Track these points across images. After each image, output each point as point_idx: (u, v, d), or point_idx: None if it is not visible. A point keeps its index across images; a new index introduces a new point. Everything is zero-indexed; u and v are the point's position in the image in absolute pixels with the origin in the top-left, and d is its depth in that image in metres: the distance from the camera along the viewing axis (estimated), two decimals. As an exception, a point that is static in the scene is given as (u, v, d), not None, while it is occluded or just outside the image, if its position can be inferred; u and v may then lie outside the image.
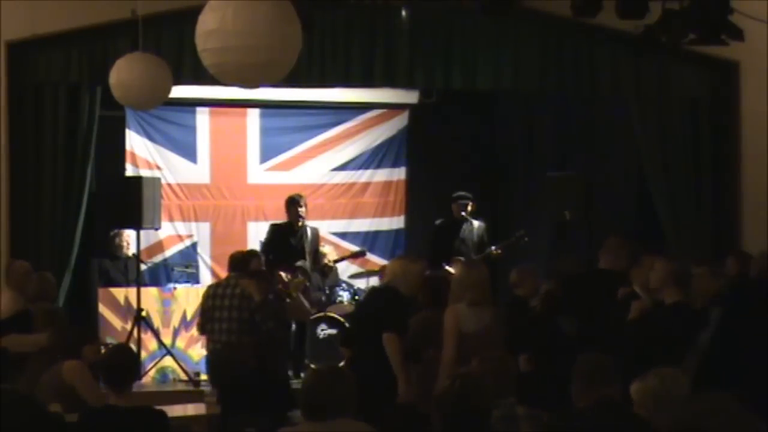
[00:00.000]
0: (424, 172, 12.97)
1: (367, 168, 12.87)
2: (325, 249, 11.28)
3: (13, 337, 7.45)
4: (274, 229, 10.99)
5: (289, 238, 10.85)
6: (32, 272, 8.49)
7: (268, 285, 8.75)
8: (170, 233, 12.02)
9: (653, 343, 6.27)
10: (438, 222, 11.37)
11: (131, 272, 10.60)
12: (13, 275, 8.35)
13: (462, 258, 10.46)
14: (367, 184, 12.87)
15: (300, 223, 10.88)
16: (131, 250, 10.73)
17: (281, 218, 11.13)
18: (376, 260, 12.22)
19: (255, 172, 12.52)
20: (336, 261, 11.26)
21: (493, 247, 10.91)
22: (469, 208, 11.08)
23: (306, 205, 11.00)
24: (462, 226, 11.05)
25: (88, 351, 6.75)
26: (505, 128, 13.31)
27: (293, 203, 10.95)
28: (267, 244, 10.93)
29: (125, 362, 5.54)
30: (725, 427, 3.29)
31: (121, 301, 10.30)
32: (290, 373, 9.81)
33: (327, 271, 11.08)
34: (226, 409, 6.79)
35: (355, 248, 12.05)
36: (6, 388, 5.92)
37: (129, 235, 10.72)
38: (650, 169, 10.70)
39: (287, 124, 12.64)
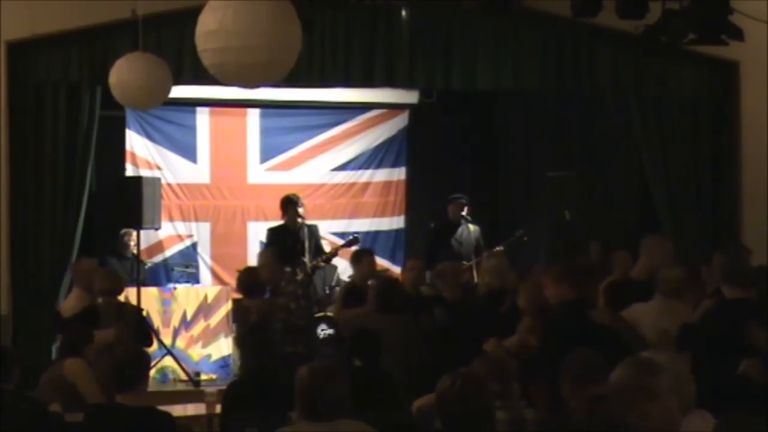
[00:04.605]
0: (424, 172, 12.97)
1: (367, 168, 12.87)
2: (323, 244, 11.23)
3: None
4: (272, 233, 10.95)
5: (287, 239, 10.80)
6: (98, 269, 8.56)
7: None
8: (170, 233, 12.03)
9: (713, 344, 5.90)
10: (433, 224, 11.34)
11: (134, 272, 10.60)
12: (80, 273, 8.46)
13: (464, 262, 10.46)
14: (367, 184, 12.87)
15: (299, 222, 10.81)
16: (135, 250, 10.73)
17: (281, 218, 11.10)
18: (376, 260, 12.19)
19: (255, 172, 12.53)
20: (331, 252, 11.08)
21: (496, 248, 10.86)
22: (466, 208, 11.06)
23: (304, 205, 10.94)
24: (459, 229, 11.02)
25: (89, 350, 6.76)
26: (505, 128, 13.32)
27: (291, 203, 10.87)
28: (266, 247, 10.92)
29: (133, 362, 5.53)
30: None
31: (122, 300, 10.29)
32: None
33: (327, 261, 10.97)
34: (226, 408, 6.78)
35: (352, 246, 12.00)
36: (6, 388, 5.93)
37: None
38: (650, 169, 10.69)
39: (287, 124, 12.64)
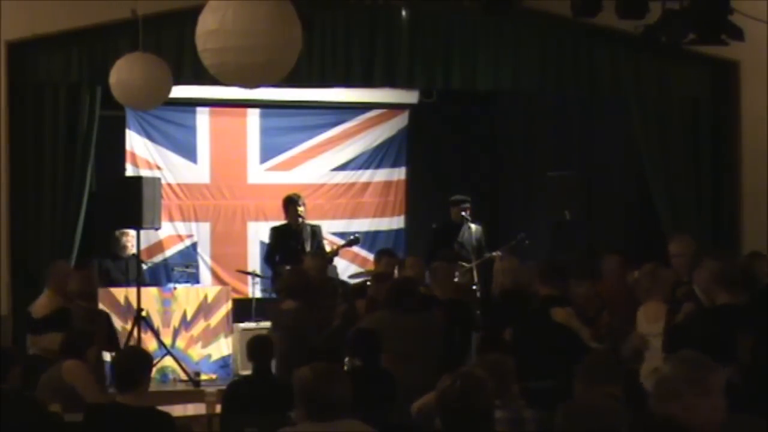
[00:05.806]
0: (424, 172, 12.98)
1: (367, 168, 12.88)
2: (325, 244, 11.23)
3: (52, 335, 7.49)
4: (275, 232, 10.97)
5: (289, 239, 10.81)
6: (72, 272, 8.55)
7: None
8: (170, 233, 12.03)
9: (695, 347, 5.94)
10: (435, 225, 11.33)
11: (132, 272, 10.60)
12: (54, 275, 8.44)
13: (464, 264, 10.41)
14: (367, 184, 12.88)
15: (300, 222, 10.83)
16: (134, 250, 10.73)
17: (281, 218, 11.12)
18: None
19: (255, 172, 12.53)
20: (331, 252, 11.05)
21: (495, 252, 10.78)
22: (468, 210, 11.04)
23: (305, 204, 10.96)
24: (461, 230, 11.00)
25: (90, 352, 6.76)
26: (505, 128, 13.32)
27: (291, 203, 10.91)
28: (270, 247, 10.92)
29: (132, 363, 5.53)
30: None
31: (122, 301, 10.29)
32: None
33: (328, 261, 10.94)
34: (226, 408, 6.78)
35: (352, 246, 12.00)
36: (6, 388, 5.93)
37: (133, 236, 10.72)
38: (650, 169, 10.69)
39: (287, 124, 12.64)
